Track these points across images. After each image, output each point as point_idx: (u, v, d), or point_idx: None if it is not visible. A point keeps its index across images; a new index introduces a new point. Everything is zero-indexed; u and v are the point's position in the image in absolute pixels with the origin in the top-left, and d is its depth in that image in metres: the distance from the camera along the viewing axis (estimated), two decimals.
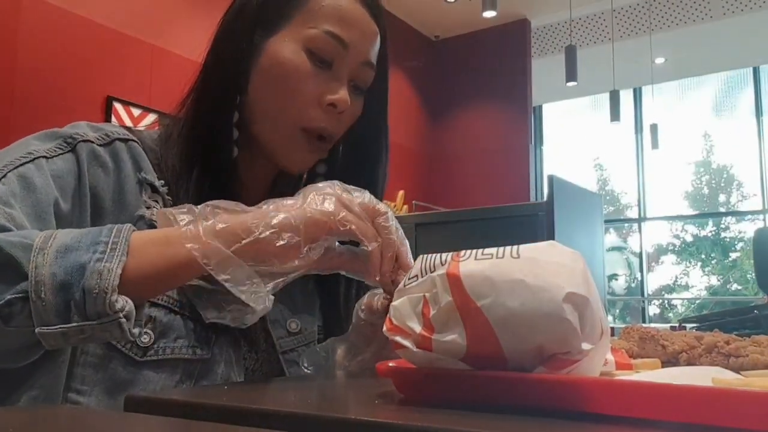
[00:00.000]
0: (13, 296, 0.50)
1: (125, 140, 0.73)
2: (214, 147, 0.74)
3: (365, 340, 0.69)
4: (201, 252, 0.55)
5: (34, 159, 0.64)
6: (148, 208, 0.70)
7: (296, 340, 0.77)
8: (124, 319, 0.51)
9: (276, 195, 0.68)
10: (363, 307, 0.69)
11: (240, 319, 0.60)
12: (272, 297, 0.58)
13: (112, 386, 0.64)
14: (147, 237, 0.56)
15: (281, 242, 0.57)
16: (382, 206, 0.63)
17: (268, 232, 0.56)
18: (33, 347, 0.53)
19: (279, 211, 0.58)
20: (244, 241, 0.56)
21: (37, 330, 0.50)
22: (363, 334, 0.69)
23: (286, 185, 0.83)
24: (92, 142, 0.70)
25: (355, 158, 0.83)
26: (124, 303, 0.52)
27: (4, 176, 0.61)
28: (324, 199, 0.60)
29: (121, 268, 0.52)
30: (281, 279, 0.59)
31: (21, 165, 0.63)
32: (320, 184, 0.62)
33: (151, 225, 0.69)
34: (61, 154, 0.67)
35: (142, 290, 0.55)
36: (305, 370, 0.70)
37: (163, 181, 0.73)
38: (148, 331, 0.66)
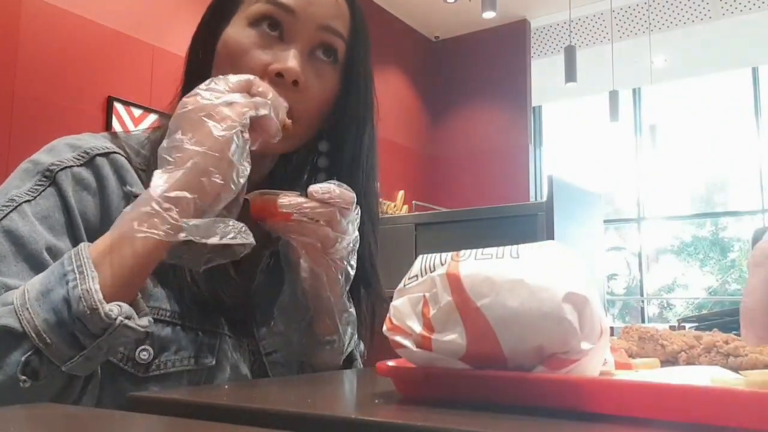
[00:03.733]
0: (27, 355, 0.53)
1: (106, 154, 0.70)
2: None
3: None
4: (164, 233, 0.55)
5: (17, 206, 0.63)
6: None
7: (279, 341, 0.76)
8: (127, 320, 0.54)
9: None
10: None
11: (239, 245, 0.60)
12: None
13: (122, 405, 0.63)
14: (103, 245, 0.57)
15: (214, 179, 0.58)
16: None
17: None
18: (72, 381, 0.56)
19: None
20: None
21: (64, 368, 0.54)
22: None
23: (283, 176, 0.82)
24: (72, 166, 0.67)
25: (342, 142, 0.78)
26: (117, 309, 0.54)
27: None
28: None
29: (97, 282, 0.54)
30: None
31: (4, 216, 0.62)
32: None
33: None
34: (43, 191, 0.65)
35: (125, 291, 0.57)
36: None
37: None
38: (147, 348, 0.65)
